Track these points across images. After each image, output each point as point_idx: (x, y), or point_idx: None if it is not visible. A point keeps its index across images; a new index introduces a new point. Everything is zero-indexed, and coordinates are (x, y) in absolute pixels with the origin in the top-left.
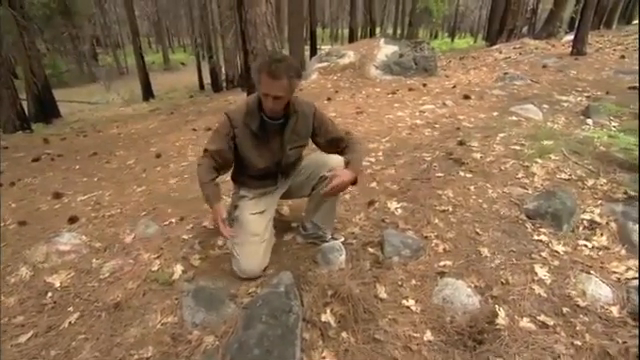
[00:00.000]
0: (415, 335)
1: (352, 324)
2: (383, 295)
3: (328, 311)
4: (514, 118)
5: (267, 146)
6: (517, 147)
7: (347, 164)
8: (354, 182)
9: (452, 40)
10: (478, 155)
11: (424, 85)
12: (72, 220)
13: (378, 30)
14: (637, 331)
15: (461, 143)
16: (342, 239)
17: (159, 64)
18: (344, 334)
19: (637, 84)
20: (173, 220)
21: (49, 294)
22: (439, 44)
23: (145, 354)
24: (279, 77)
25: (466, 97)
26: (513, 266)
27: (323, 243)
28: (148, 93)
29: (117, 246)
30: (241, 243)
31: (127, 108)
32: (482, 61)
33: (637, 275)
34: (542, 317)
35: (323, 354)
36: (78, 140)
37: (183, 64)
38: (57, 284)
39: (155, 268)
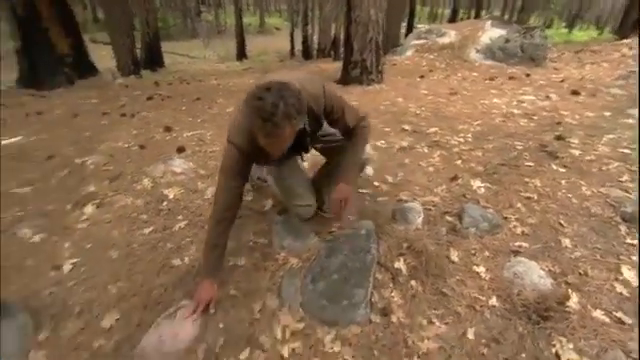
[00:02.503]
0: (481, 298)
1: (422, 276)
2: (455, 259)
3: (402, 260)
4: (630, 121)
5: (290, 153)
6: (626, 150)
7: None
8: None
9: (570, 31)
10: (577, 152)
11: (527, 75)
12: (180, 150)
13: (483, 13)
14: None
15: (559, 138)
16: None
17: (255, 26)
18: (413, 282)
19: None
20: None
21: (164, 202)
22: (552, 34)
23: (239, 262)
24: (280, 134)
25: (574, 93)
26: (595, 262)
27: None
28: (242, 53)
29: None
30: (287, 197)
31: (221, 65)
32: (604, 56)
33: None
34: (619, 314)
35: (392, 294)
36: (182, 86)
37: (277, 29)
38: (171, 196)
39: (250, 198)
